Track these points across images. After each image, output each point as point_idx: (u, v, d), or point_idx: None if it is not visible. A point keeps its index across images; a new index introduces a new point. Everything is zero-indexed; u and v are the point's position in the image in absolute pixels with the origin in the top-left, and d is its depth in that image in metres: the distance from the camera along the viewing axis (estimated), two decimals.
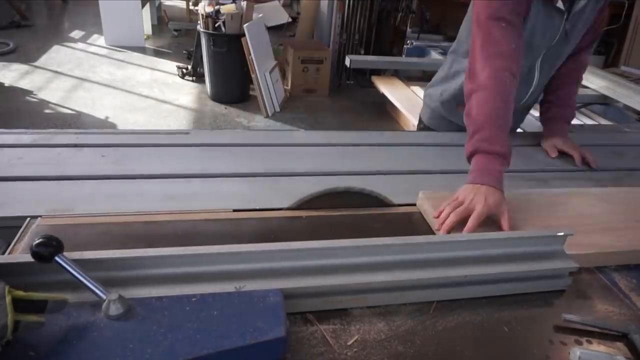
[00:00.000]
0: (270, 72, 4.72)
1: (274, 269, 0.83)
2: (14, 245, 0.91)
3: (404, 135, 1.82)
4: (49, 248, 0.70)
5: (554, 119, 1.57)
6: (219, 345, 0.66)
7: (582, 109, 2.76)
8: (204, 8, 4.63)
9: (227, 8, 4.64)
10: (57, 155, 1.25)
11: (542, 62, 1.44)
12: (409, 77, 5.40)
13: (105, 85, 5.13)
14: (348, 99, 5.45)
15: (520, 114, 1.68)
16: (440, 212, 1.05)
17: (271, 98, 4.77)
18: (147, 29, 7.11)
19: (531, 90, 1.52)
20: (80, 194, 1.09)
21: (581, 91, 2.56)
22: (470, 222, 1.01)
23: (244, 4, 4.75)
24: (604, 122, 2.72)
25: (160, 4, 8.39)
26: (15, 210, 1.01)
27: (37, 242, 0.70)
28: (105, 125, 4.20)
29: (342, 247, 0.86)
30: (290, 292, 0.80)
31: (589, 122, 2.82)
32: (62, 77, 5.20)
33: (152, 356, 0.64)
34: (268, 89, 4.71)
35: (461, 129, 1.59)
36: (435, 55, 3.05)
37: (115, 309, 0.69)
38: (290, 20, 6.51)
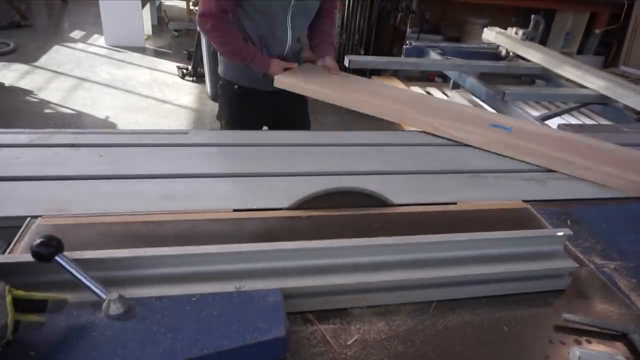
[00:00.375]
0: None
1: (274, 269, 0.83)
2: (14, 245, 0.91)
3: (404, 135, 1.82)
4: (49, 248, 0.71)
5: (320, 45, 2.05)
6: (219, 345, 0.67)
7: (582, 109, 2.77)
8: None
9: None
10: (56, 155, 1.25)
11: (292, 17, 1.78)
12: (409, 77, 5.41)
13: (105, 85, 5.13)
14: None
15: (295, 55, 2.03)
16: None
17: None
18: (147, 29, 7.10)
19: (288, 44, 1.87)
20: (80, 193, 1.09)
21: (580, 91, 2.57)
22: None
23: None
24: (603, 121, 2.72)
25: (160, 4, 8.38)
26: (15, 210, 1.01)
27: (37, 242, 0.70)
28: (105, 125, 4.19)
29: (342, 247, 0.86)
30: (290, 292, 0.80)
31: (588, 122, 2.82)
32: (62, 77, 5.19)
33: (152, 356, 0.64)
34: None
35: None
36: (434, 55, 3.04)
37: (115, 309, 0.69)
38: None
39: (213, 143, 1.41)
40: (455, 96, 3.34)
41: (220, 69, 1.99)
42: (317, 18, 1.96)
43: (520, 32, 3.29)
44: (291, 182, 1.22)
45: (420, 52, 3.30)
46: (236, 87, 1.92)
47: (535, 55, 2.97)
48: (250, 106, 1.92)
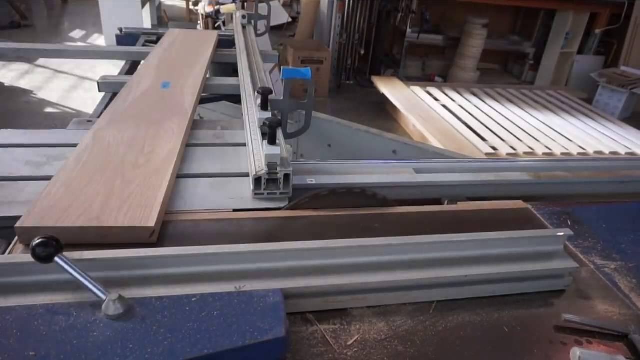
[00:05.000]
0: (270, 72, 4.72)
1: (274, 269, 0.83)
2: (14, 245, 0.91)
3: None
4: (49, 248, 0.70)
5: None
6: (219, 345, 0.67)
7: None
8: (204, 8, 4.64)
9: (227, 8, 4.64)
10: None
11: None
12: (409, 78, 5.42)
13: None
14: (348, 99, 5.45)
15: None
16: None
17: None
18: None
19: None
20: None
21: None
22: None
23: None
24: None
25: (160, 4, 8.38)
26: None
27: (37, 242, 0.70)
28: None
29: (342, 247, 0.86)
30: (290, 292, 0.80)
31: None
32: (62, 77, 5.20)
33: (152, 356, 0.64)
34: None
35: None
36: (141, 43, 2.37)
37: (115, 309, 0.69)
38: (290, 20, 6.51)
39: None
40: None
41: None
42: None
43: (239, 14, 2.60)
44: None
45: (134, 40, 2.75)
46: None
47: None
48: None
